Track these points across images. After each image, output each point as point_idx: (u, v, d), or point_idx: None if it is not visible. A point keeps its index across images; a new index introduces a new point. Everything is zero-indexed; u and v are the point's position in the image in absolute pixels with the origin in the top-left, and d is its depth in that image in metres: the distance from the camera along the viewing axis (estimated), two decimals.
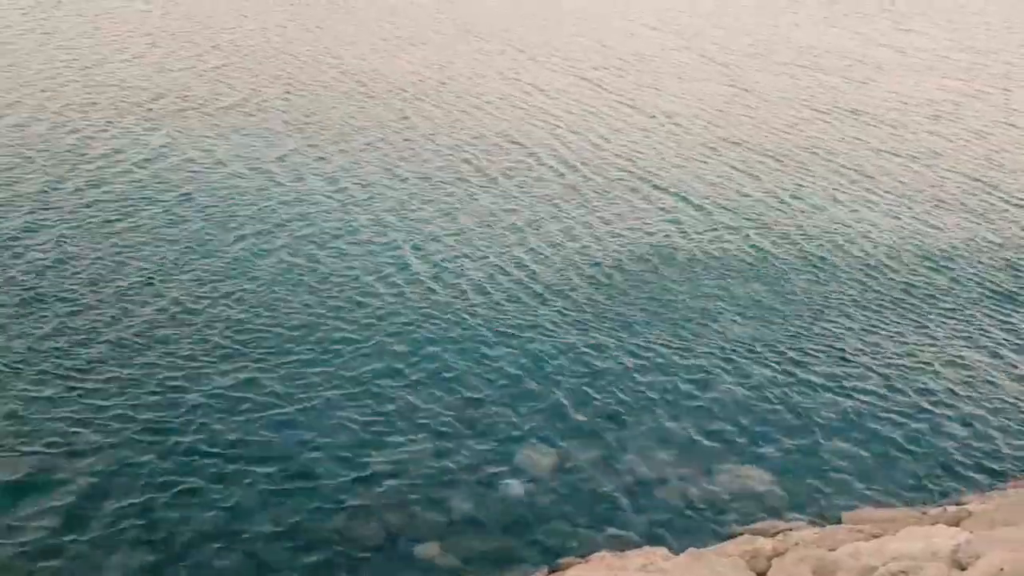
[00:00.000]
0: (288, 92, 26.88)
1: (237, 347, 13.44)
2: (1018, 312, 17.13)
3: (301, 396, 12.47)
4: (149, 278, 15.21)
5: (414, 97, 27.82)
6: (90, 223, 16.99)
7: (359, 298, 15.27)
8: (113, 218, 17.29)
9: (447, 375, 13.32)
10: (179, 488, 10.58)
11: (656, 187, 22.02)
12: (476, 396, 12.89)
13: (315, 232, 17.68)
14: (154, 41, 31.31)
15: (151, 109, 24.01)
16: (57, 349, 12.91)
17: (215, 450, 11.25)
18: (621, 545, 10.26)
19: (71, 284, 14.75)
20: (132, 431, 11.42)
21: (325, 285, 15.61)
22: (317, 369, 13.12)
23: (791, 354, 14.85)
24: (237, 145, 22.13)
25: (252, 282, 15.42)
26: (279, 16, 37.30)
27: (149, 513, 10.18)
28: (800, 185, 23.07)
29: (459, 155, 22.89)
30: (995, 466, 12.55)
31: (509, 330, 14.71)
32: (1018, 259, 19.49)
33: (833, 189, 22.99)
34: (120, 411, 11.75)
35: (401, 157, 22.35)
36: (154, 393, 12.19)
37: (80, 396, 11.96)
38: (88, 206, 17.67)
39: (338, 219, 18.42)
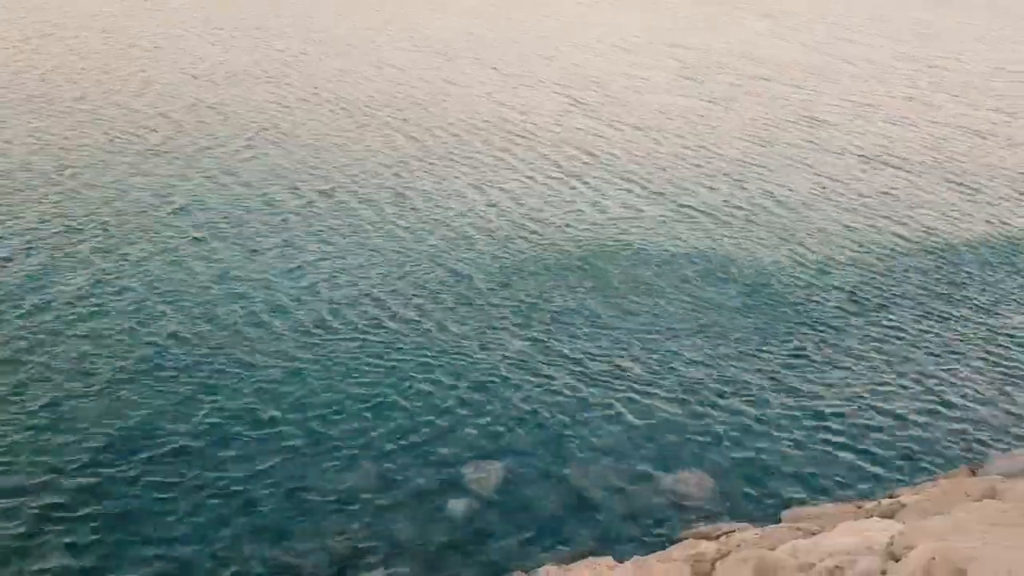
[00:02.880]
0: (277, 121, 26.77)
1: (174, 377, 13.17)
2: (951, 310, 17.65)
3: (237, 426, 12.25)
4: (107, 307, 14.86)
5: (402, 120, 28.00)
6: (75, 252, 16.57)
7: (297, 326, 15.09)
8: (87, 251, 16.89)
9: (386, 398, 13.21)
10: (114, 523, 10.30)
11: (621, 194, 22.43)
12: (416, 417, 12.81)
13: (271, 262, 17.46)
14: (143, 70, 30.98)
15: (150, 144, 23.68)
16: None
17: (150, 484, 10.98)
18: (567, 558, 10.28)
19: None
20: (67, 463, 11.11)
21: (263, 312, 15.38)
22: (253, 398, 12.91)
23: (726, 359, 15.09)
24: (240, 177, 21.89)
25: (188, 312, 15.14)
26: (259, 44, 37.19)
27: (83, 546, 9.91)
28: (762, 190, 23.76)
29: (425, 174, 22.90)
30: (926, 458, 12.93)
31: (447, 349, 14.67)
32: (959, 260, 20.11)
33: (793, 193, 23.74)
34: (57, 442, 11.43)
35: (369, 175, 22.27)
36: (93, 425, 11.86)
37: (15, 424, 11.61)
38: (72, 232, 17.23)
39: (292, 245, 18.22)
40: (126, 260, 16.85)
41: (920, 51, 47.44)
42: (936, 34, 54.33)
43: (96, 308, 14.98)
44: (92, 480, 10.96)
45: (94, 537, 10.11)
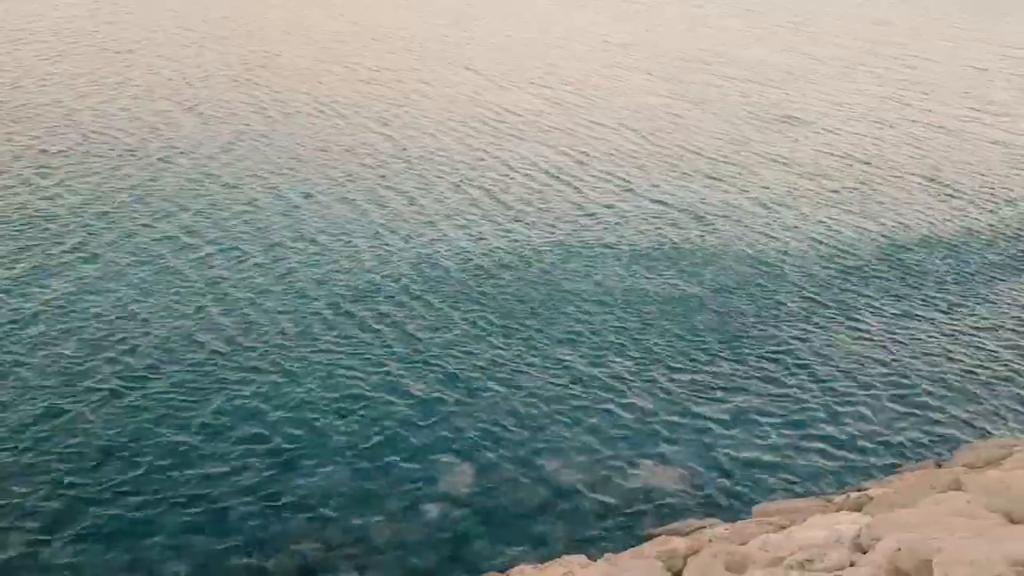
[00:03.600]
0: (254, 123, 26.73)
1: (146, 387, 13.06)
2: (919, 305, 17.88)
3: (210, 434, 12.18)
4: (80, 315, 14.70)
5: (381, 120, 28.11)
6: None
7: (270, 332, 15.01)
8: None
9: (359, 402, 13.20)
10: (79, 531, 10.22)
11: (597, 192, 22.55)
12: (389, 421, 12.80)
13: (248, 267, 17.36)
14: (117, 73, 30.72)
15: (128, 148, 23.56)
16: None
17: (122, 494, 10.90)
18: (541, 557, 10.31)
19: None
20: (26, 472, 10.99)
21: (235, 320, 15.30)
22: (226, 405, 12.83)
23: (696, 357, 15.22)
24: (218, 180, 21.83)
25: (160, 320, 15.02)
26: (232, 46, 36.98)
27: (46, 560, 9.79)
28: (736, 188, 24.04)
29: (404, 174, 22.86)
30: (894, 452, 13.11)
31: (419, 352, 14.67)
32: (928, 256, 20.38)
33: (766, 191, 24.04)
34: (27, 457, 11.28)
35: (332, 174, 22.19)
36: (64, 438, 11.73)
37: None
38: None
39: (267, 250, 18.15)
40: (101, 266, 16.72)
41: (887, 50, 48.08)
42: (901, 32, 55.05)
43: (69, 317, 14.83)
44: (64, 492, 10.85)
45: (66, 549, 10.01)
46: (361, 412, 12.92)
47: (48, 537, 10.13)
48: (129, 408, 12.49)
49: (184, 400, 12.81)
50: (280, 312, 15.56)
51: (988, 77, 42.35)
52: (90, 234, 18.09)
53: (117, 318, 14.90)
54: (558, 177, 23.96)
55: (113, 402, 12.59)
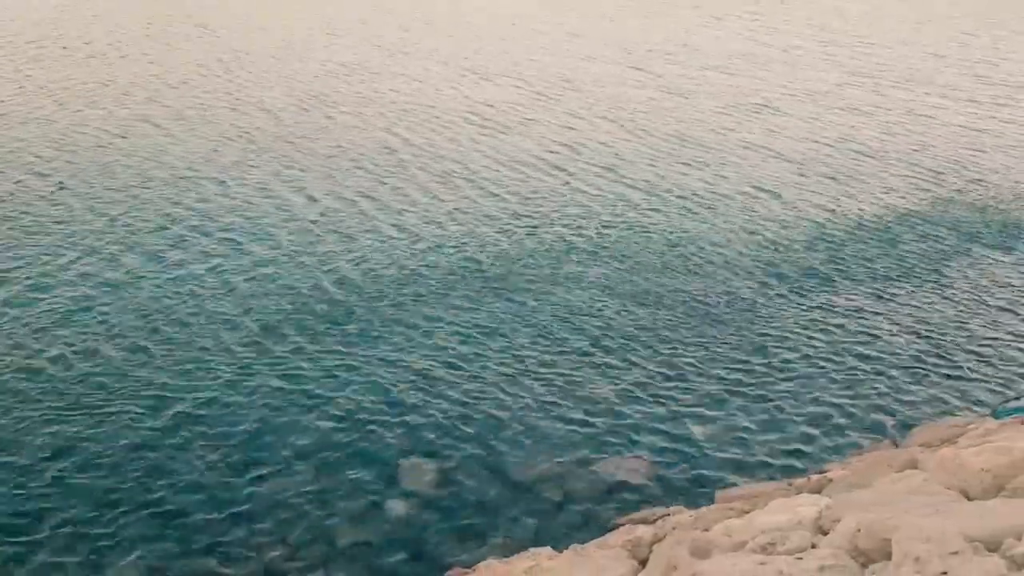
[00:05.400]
0: (233, 121, 26.55)
1: (97, 385, 12.83)
2: (883, 287, 18.11)
3: (166, 433, 12.00)
4: (34, 315, 14.41)
5: (364, 116, 28.04)
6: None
7: (224, 326, 14.83)
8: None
9: (319, 399, 13.09)
10: (32, 537, 10.01)
11: (577, 184, 22.75)
12: (350, 418, 12.71)
13: (216, 261, 17.22)
14: (94, 76, 30.25)
15: (105, 147, 23.43)
16: None
17: (74, 496, 10.70)
18: (507, 551, 10.31)
19: None
20: None
21: (195, 316, 15.08)
22: (182, 403, 12.65)
23: (658, 344, 15.29)
24: (195, 179, 21.64)
25: (114, 321, 14.76)
26: (205, 46, 36.53)
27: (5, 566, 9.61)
28: (713, 176, 24.18)
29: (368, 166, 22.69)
30: (853, 434, 13.28)
31: (379, 348, 14.58)
32: (894, 239, 20.56)
33: (745, 175, 24.27)
34: None
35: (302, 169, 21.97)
36: (15, 437, 11.50)
37: None
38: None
39: (235, 246, 17.99)
40: (61, 268, 16.41)
41: (844, 38, 48.65)
42: (854, 21, 55.75)
43: (25, 319, 14.55)
44: (17, 497, 10.64)
45: (19, 556, 9.82)
46: (321, 412, 12.80)
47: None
48: (85, 412, 12.26)
49: (141, 403, 12.60)
50: (239, 313, 15.37)
51: (945, 64, 43.06)
52: (48, 236, 17.75)
53: (68, 320, 14.62)
54: (530, 167, 23.93)
55: (68, 405, 12.35)
